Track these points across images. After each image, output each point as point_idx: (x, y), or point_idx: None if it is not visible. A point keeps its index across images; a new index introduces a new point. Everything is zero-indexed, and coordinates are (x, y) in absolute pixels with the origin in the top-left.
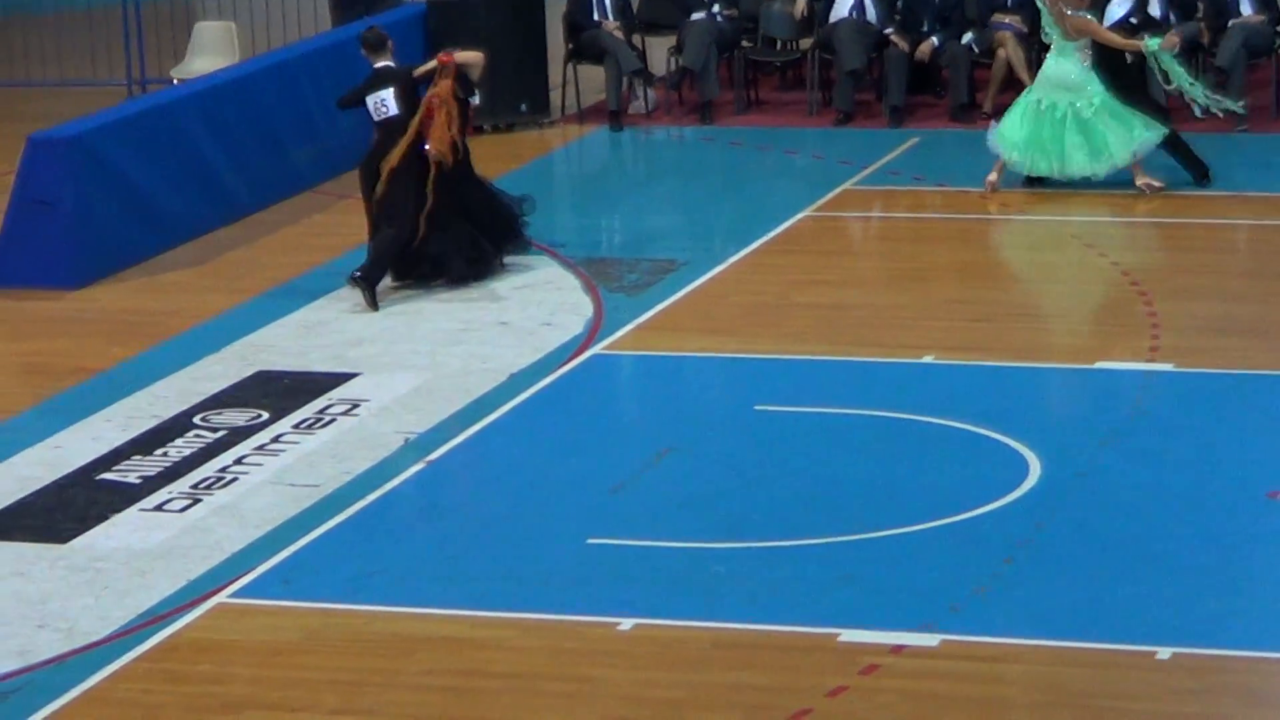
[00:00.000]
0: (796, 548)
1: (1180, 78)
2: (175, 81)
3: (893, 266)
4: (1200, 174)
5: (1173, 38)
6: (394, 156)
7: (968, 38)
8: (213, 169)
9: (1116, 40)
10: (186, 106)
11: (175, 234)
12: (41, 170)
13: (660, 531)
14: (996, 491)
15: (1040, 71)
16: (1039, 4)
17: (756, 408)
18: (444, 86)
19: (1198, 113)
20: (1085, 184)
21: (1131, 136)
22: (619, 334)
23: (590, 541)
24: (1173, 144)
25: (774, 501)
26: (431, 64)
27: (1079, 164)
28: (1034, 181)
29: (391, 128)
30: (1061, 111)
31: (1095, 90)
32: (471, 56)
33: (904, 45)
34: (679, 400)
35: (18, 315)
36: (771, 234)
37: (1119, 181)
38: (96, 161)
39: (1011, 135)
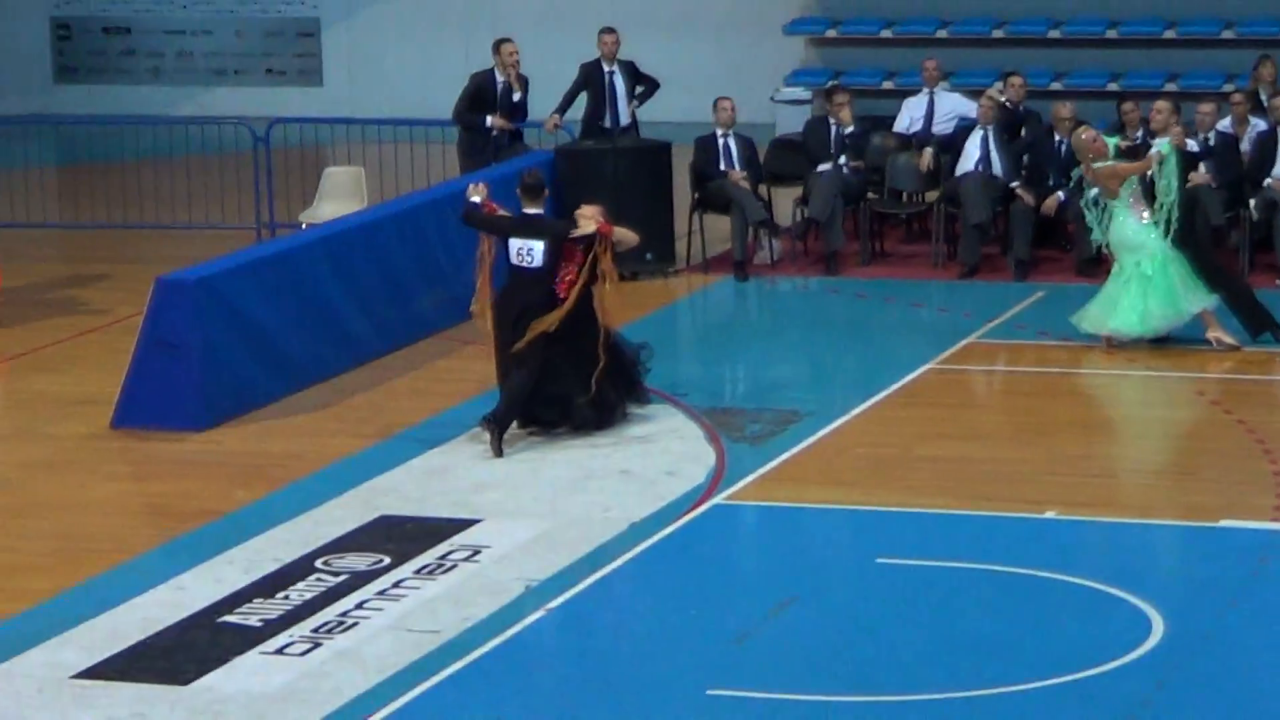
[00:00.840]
0: (918, 702)
1: (1167, 192)
2: (304, 226)
3: (1016, 420)
4: (1257, 328)
5: (1181, 136)
6: (549, 322)
7: (1093, 192)
8: (338, 313)
9: (1132, 166)
10: (314, 251)
11: (300, 377)
12: (169, 312)
13: (781, 684)
14: (1118, 650)
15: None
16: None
17: (879, 560)
18: (608, 261)
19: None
20: (1181, 337)
21: (1195, 292)
22: (741, 484)
23: (710, 693)
24: (1236, 298)
25: (895, 655)
26: (589, 230)
27: (1150, 319)
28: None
29: (530, 277)
30: (1127, 273)
31: (1156, 247)
32: (628, 236)
33: (1029, 199)
34: (801, 551)
35: (144, 456)
36: (896, 386)
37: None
38: (224, 304)
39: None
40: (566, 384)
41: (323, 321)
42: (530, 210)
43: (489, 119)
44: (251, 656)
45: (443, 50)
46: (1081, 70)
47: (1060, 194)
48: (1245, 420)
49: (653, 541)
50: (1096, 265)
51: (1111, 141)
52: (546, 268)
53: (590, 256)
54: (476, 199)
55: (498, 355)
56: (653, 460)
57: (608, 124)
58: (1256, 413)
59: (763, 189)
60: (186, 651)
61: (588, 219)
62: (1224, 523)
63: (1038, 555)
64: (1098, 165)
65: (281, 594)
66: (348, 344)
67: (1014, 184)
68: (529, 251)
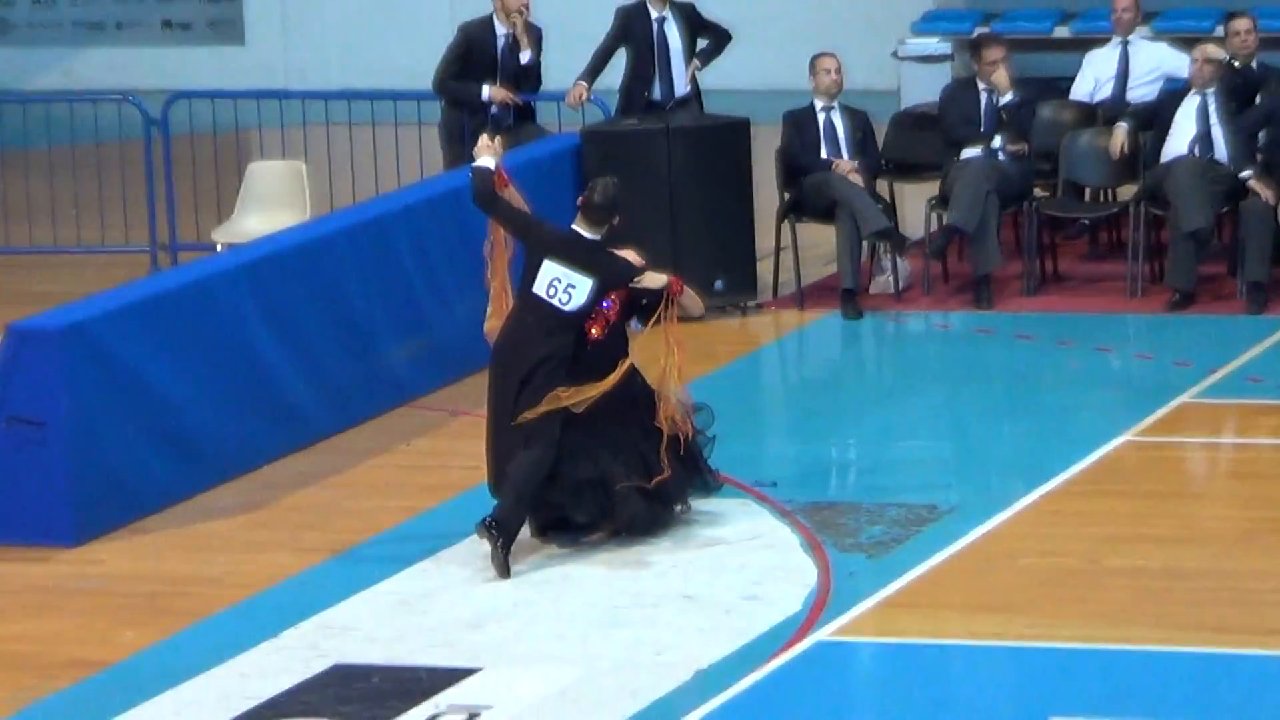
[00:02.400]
0: None
1: None
2: (219, 248)
3: (1253, 516)
4: None
5: None
6: (580, 399)
7: None
8: (271, 373)
9: None
10: (234, 283)
11: (218, 467)
12: (25, 374)
13: None
14: None
15: None
16: None
17: (1053, 719)
18: (676, 329)
19: None
20: None
21: None
22: (855, 612)
23: None
24: None
25: None
26: (658, 283)
27: None
28: None
29: (557, 321)
30: None
31: None
32: (695, 303)
33: (1269, 195)
34: (941, 708)
35: None
36: (1076, 468)
37: None
38: (104, 362)
39: None
40: (602, 464)
41: (248, 385)
42: (586, 232)
43: (485, 89)
44: None
45: None
46: None
47: None
48: None
49: (727, 697)
50: None
51: None
52: (583, 313)
53: (652, 318)
54: (488, 161)
55: (493, 426)
56: (727, 579)
57: (657, 94)
58: None
59: (883, 185)
60: None
61: (647, 271)
62: None
63: None
64: None
65: None
66: (285, 418)
67: (1246, 174)
68: (568, 288)
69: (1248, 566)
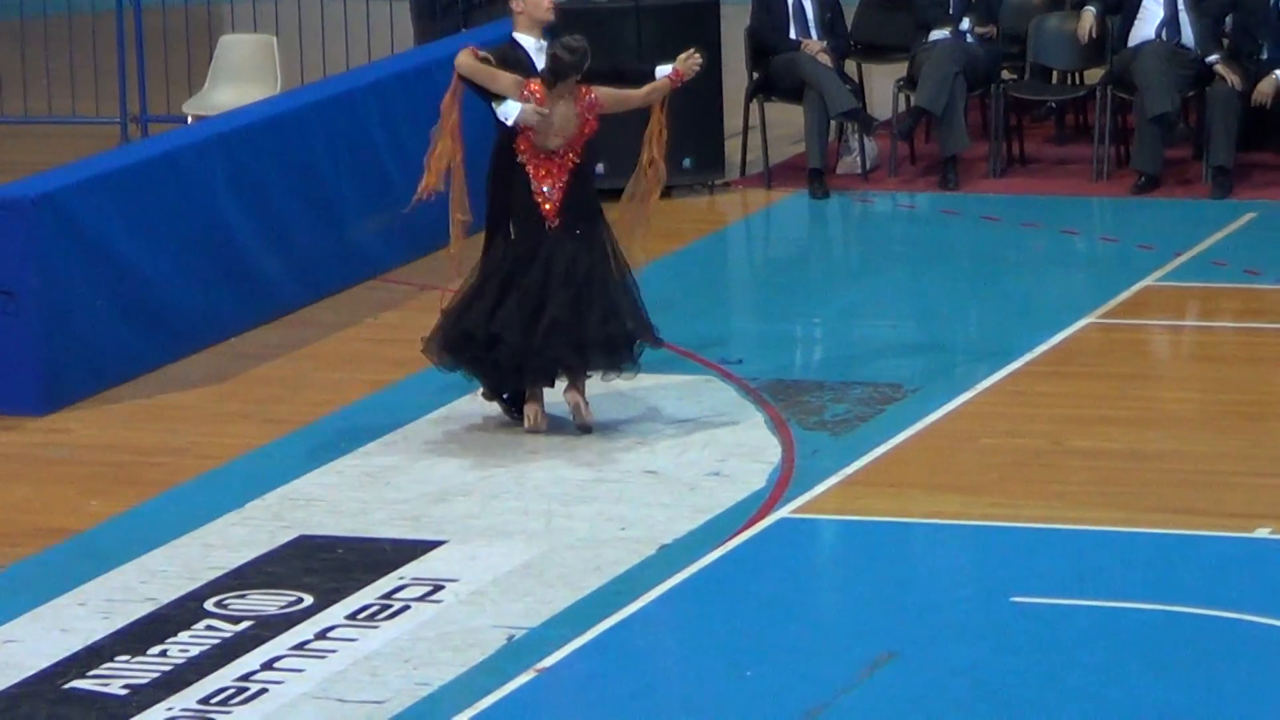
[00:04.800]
0: None
1: None
2: (190, 120)
3: (1214, 399)
4: None
5: None
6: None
7: None
8: (240, 246)
9: None
10: (205, 156)
11: (186, 338)
12: None
13: None
14: None
15: None
16: None
17: (1014, 599)
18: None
19: None
20: None
21: None
22: (819, 490)
23: None
24: None
25: None
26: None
27: None
28: None
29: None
30: None
31: None
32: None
33: (1235, 81)
34: (904, 587)
35: None
36: (1040, 349)
37: None
38: (74, 233)
39: None
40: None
41: (217, 257)
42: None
43: None
44: None
45: None
46: None
47: (1279, 74)
48: None
49: (690, 572)
50: None
51: None
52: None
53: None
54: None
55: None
56: (691, 456)
57: None
58: None
59: (851, 66)
60: None
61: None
62: None
63: (1245, 591)
64: None
65: (156, 649)
66: (253, 290)
67: (1213, 58)
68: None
69: (1210, 449)
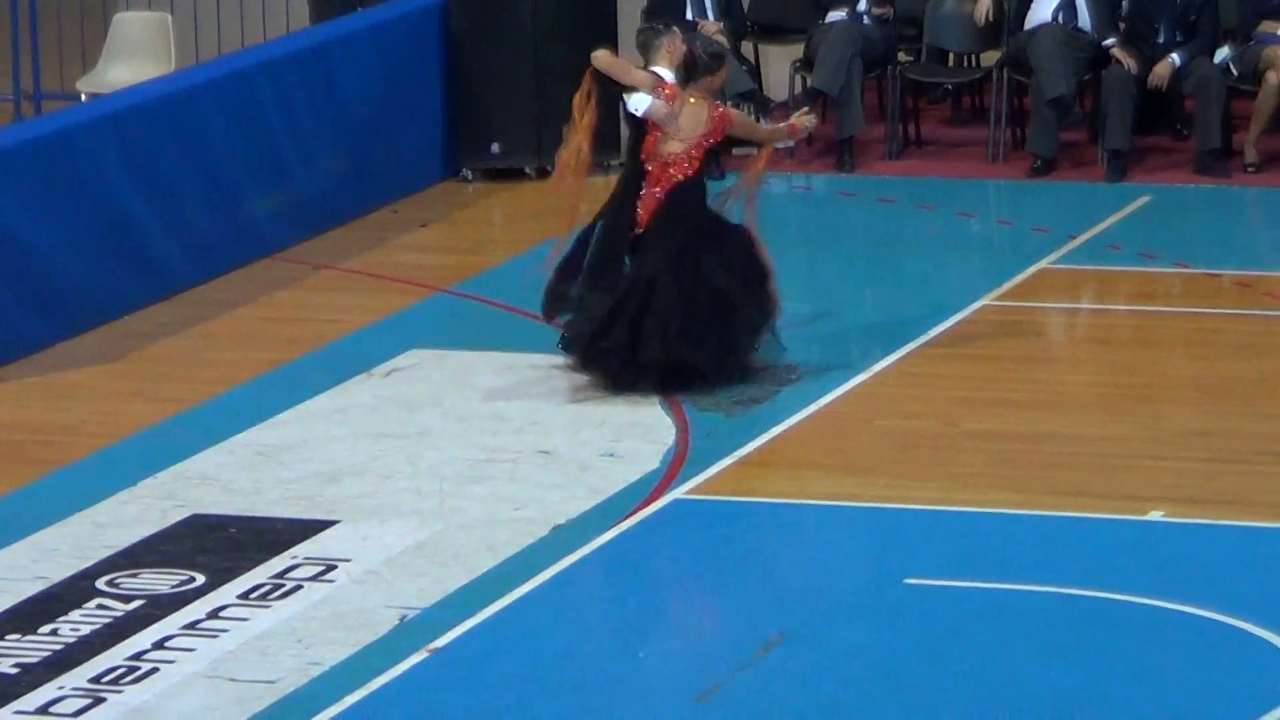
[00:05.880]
0: None
1: None
2: (83, 97)
3: (1108, 381)
4: None
5: None
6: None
7: (1223, 55)
8: (133, 224)
9: None
10: (98, 133)
11: (79, 316)
12: None
13: None
14: (1253, 707)
15: None
16: None
17: (907, 581)
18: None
19: None
20: None
21: None
22: (712, 471)
23: None
24: None
25: (928, 716)
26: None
27: None
28: None
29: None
30: None
31: None
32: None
33: (1131, 64)
34: (797, 568)
35: None
36: (934, 331)
37: None
38: None
39: None
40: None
41: (111, 235)
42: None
43: None
44: (4, 718)
45: None
46: None
47: (1175, 57)
48: None
49: (583, 553)
50: (1224, 159)
51: None
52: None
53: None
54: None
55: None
56: (585, 436)
57: None
58: None
59: (747, 47)
60: None
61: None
62: None
63: (1137, 574)
64: None
65: (47, 627)
66: (147, 268)
67: (1109, 41)
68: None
69: (1104, 431)
